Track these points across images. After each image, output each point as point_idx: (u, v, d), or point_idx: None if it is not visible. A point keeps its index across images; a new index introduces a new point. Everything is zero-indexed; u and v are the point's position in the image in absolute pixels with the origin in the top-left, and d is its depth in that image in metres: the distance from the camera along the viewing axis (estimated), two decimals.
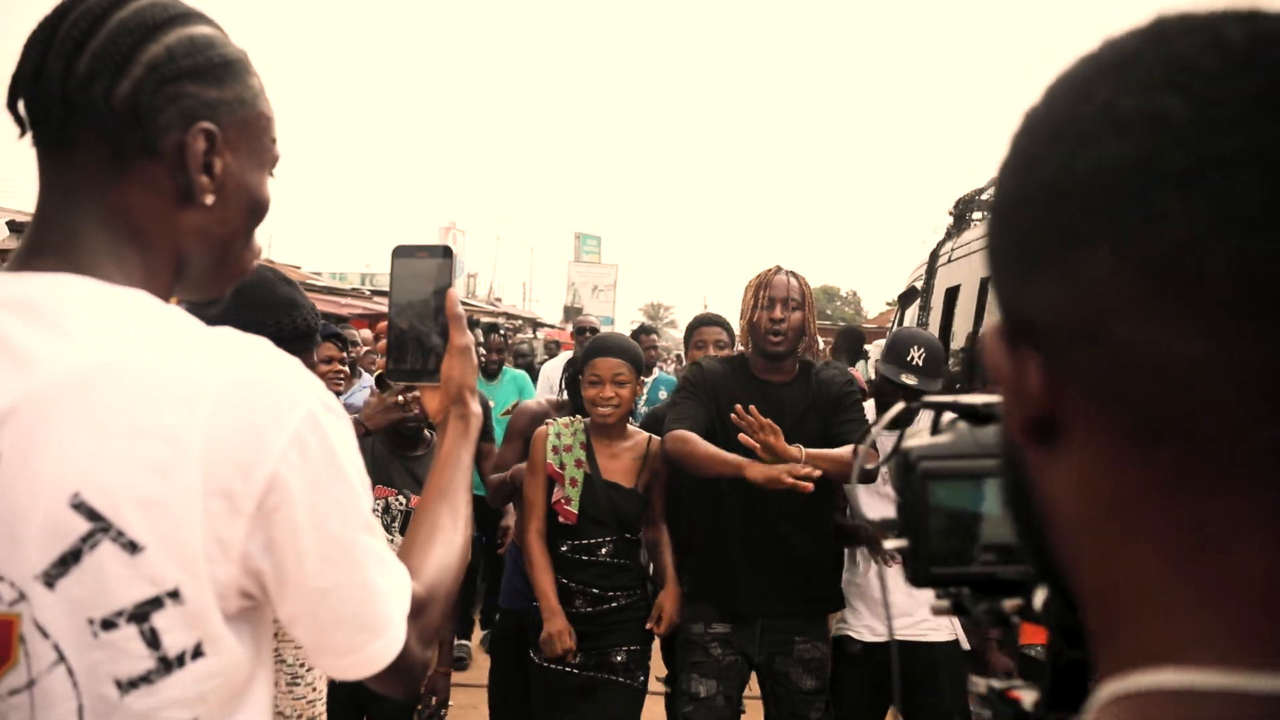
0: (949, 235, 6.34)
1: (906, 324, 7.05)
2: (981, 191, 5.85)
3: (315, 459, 0.83)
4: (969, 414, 0.64)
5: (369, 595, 0.89)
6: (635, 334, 6.66)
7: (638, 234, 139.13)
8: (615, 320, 35.73)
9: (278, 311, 1.86)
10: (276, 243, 31.32)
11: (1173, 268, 0.37)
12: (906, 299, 7.47)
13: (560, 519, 3.03)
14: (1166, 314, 0.37)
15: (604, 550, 3.03)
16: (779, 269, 3.12)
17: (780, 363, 3.05)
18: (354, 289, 19.61)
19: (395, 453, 3.07)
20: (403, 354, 1.17)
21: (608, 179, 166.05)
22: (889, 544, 0.65)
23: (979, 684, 0.68)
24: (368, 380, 5.58)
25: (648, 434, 3.20)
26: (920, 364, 3.10)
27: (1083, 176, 0.39)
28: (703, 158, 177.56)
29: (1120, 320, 0.38)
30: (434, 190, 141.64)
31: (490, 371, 6.12)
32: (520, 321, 22.37)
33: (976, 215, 5.99)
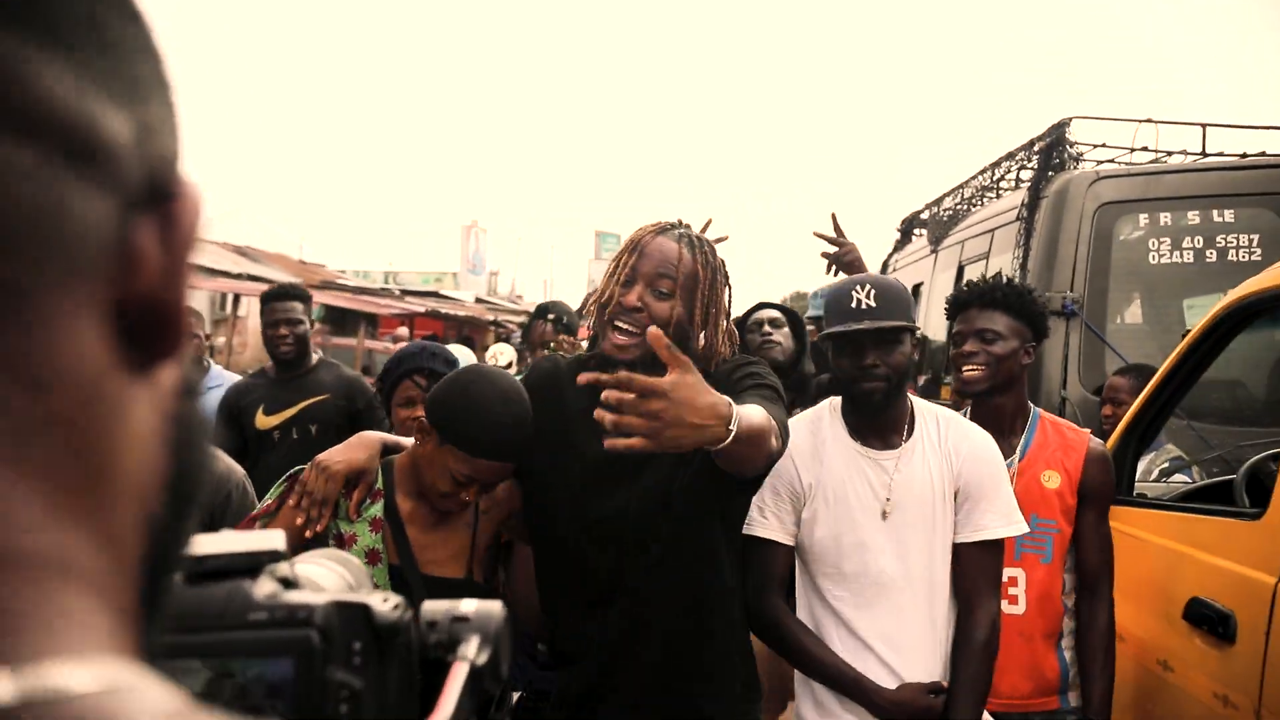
0: (896, 248, 7.47)
1: None
2: (920, 212, 6.98)
3: None
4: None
5: None
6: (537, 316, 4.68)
7: None
8: None
9: None
10: (307, 244, 32.55)
11: None
12: None
13: None
14: None
15: None
16: (666, 227, 1.94)
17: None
18: (384, 288, 20.74)
19: None
20: None
21: (627, 178, 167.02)
22: None
23: None
24: (220, 375, 4.45)
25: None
26: (871, 304, 2.07)
27: None
28: (722, 154, 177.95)
29: None
30: (456, 189, 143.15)
31: None
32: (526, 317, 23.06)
33: (918, 231, 7.14)
